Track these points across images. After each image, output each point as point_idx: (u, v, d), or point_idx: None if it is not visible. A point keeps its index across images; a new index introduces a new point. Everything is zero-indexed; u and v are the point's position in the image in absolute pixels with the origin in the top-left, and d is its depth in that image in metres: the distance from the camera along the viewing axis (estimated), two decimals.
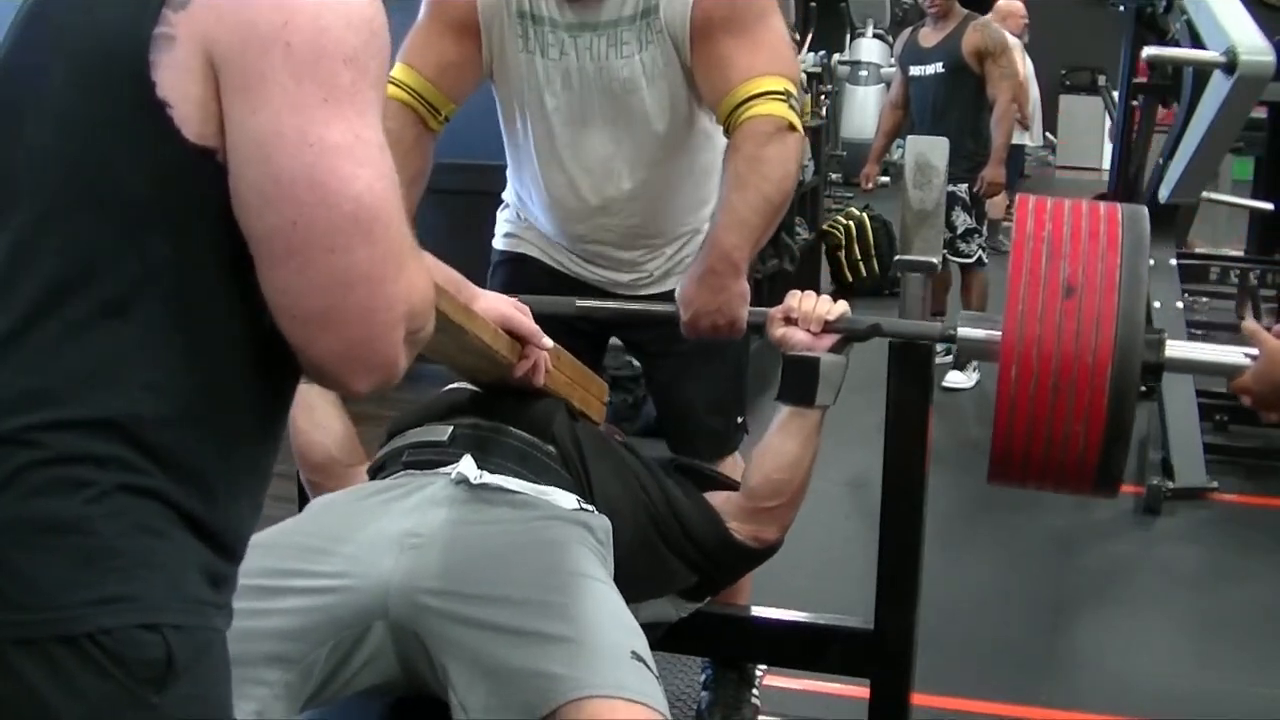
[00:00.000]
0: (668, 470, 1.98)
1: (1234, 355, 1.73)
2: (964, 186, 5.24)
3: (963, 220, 5.29)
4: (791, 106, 1.97)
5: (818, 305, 1.90)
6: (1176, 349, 1.75)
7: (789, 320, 1.91)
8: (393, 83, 2.07)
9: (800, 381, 1.89)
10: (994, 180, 5.27)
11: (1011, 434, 1.71)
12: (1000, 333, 1.70)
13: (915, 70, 5.40)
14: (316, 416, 1.94)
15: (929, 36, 5.38)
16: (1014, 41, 8.13)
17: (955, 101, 5.27)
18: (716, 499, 1.94)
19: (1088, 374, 1.65)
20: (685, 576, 1.88)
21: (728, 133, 1.99)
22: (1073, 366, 1.65)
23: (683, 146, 2.16)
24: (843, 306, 1.92)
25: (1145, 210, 1.78)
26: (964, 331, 1.83)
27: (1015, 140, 6.12)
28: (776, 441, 1.91)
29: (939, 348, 5.31)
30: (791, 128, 1.96)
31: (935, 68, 5.30)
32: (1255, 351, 1.68)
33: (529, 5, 2.05)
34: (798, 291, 1.95)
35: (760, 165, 1.93)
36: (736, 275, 1.93)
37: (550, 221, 2.26)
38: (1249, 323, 1.73)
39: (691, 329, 1.97)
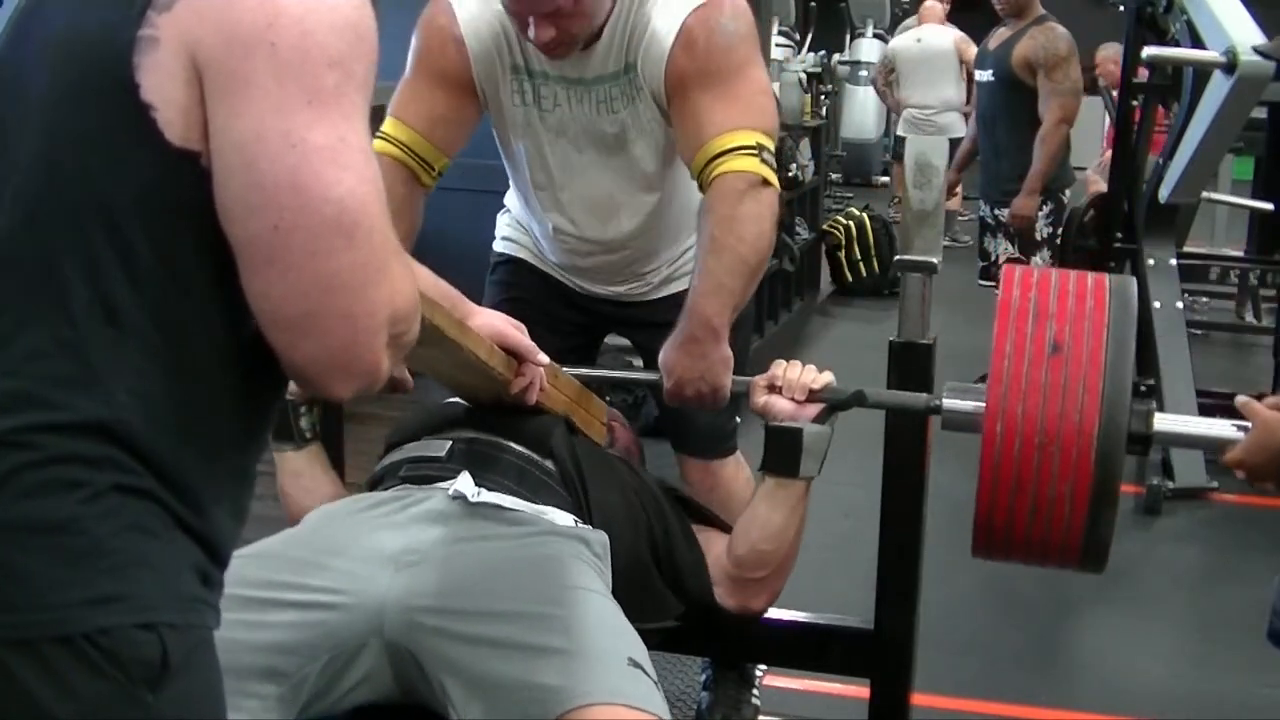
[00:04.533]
0: (668, 497, 1.96)
1: (1224, 429, 1.71)
2: (1006, 212, 4.69)
3: (1004, 248, 4.76)
4: (764, 160, 1.93)
5: (802, 374, 1.88)
6: (1165, 422, 1.72)
7: (773, 388, 1.89)
8: (382, 138, 2.04)
9: (784, 452, 1.86)
10: (1021, 213, 4.61)
11: (995, 499, 1.67)
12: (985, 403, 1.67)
13: (978, 75, 4.92)
14: (304, 482, 1.93)
15: (996, 38, 4.82)
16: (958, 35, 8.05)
17: (1003, 115, 4.72)
18: (710, 552, 1.92)
19: (1074, 434, 1.61)
20: (675, 605, 1.88)
21: (702, 190, 1.96)
22: (1058, 426, 1.62)
23: (677, 183, 2.15)
24: (827, 376, 1.89)
25: (1134, 280, 1.77)
26: (949, 403, 1.80)
27: None
28: (762, 512, 1.89)
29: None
30: (765, 182, 1.92)
31: (988, 74, 4.76)
32: (1247, 424, 1.65)
33: (523, 60, 2.05)
34: (783, 361, 1.92)
35: (734, 225, 1.90)
36: (717, 341, 1.91)
37: (552, 254, 2.27)
38: (1242, 397, 1.69)
39: (674, 397, 1.95)
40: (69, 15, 1.06)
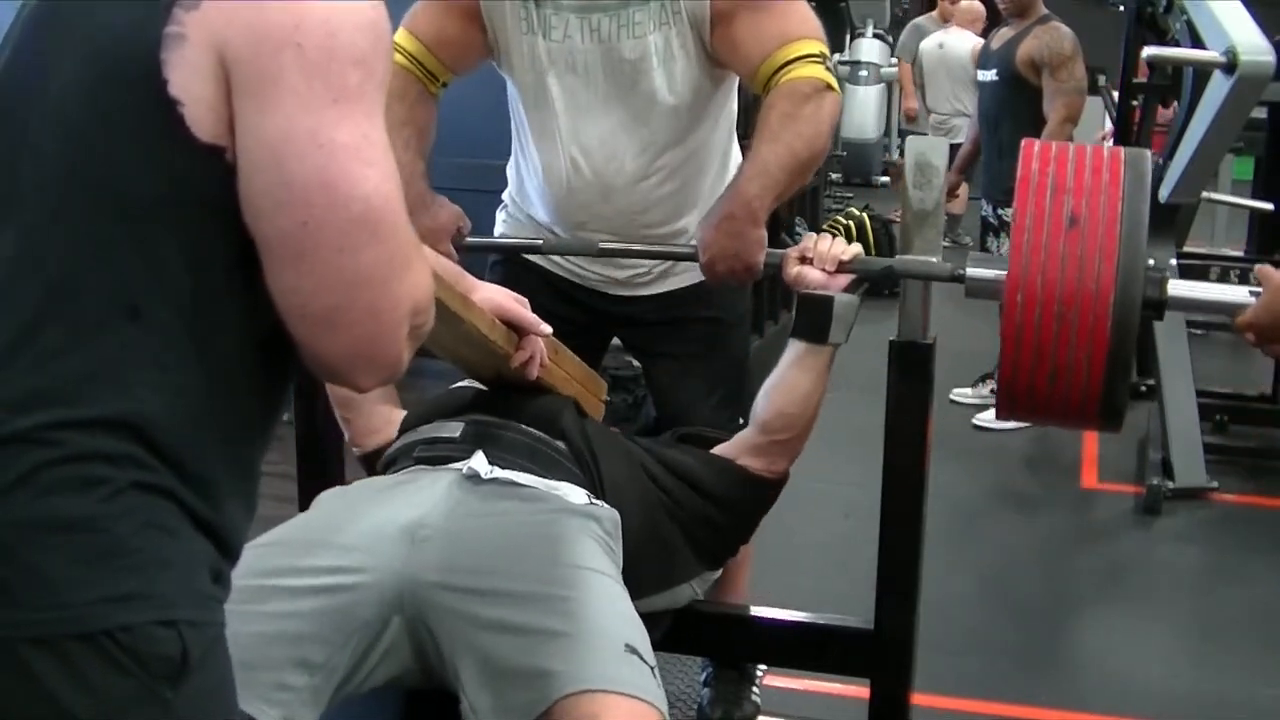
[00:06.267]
0: (670, 444, 2.02)
1: (1237, 294, 1.75)
2: (1010, 211, 4.65)
3: (1007, 248, 4.76)
4: (828, 68, 2.01)
5: (833, 246, 1.94)
6: (1179, 287, 1.78)
7: (804, 260, 1.95)
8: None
9: (814, 319, 1.93)
10: None
11: (1018, 365, 1.74)
12: (1006, 271, 1.73)
13: (980, 74, 4.92)
14: None
15: (999, 37, 4.85)
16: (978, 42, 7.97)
17: (1007, 115, 4.70)
18: (723, 446, 1.99)
19: (1091, 302, 1.68)
20: (693, 567, 1.92)
21: (765, 95, 2.02)
22: (1076, 294, 1.68)
23: (687, 132, 2.16)
24: (856, 248, 1.96)
25: (1147, 153, 1.82)
26: (972, 271, 1.86)
27: None
28: (790, 377, 1.95)
29: (970, 394, 5.04)
30: (829, 87, 2.00)
31: (992, 74, 4.79)
32: (1260, 289, 1.69)
33: None
34: (813, 234, 1.99)
35: (793, 122, 1.97)
36: (754, 224, 1.96)
37: (550, 210, 2.25)
38: (1261, 264, 1.74)
39: (709, 271, 2.01)
40: (88, 11, 1.07)
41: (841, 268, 1.93)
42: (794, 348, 1.96)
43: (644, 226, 2.20)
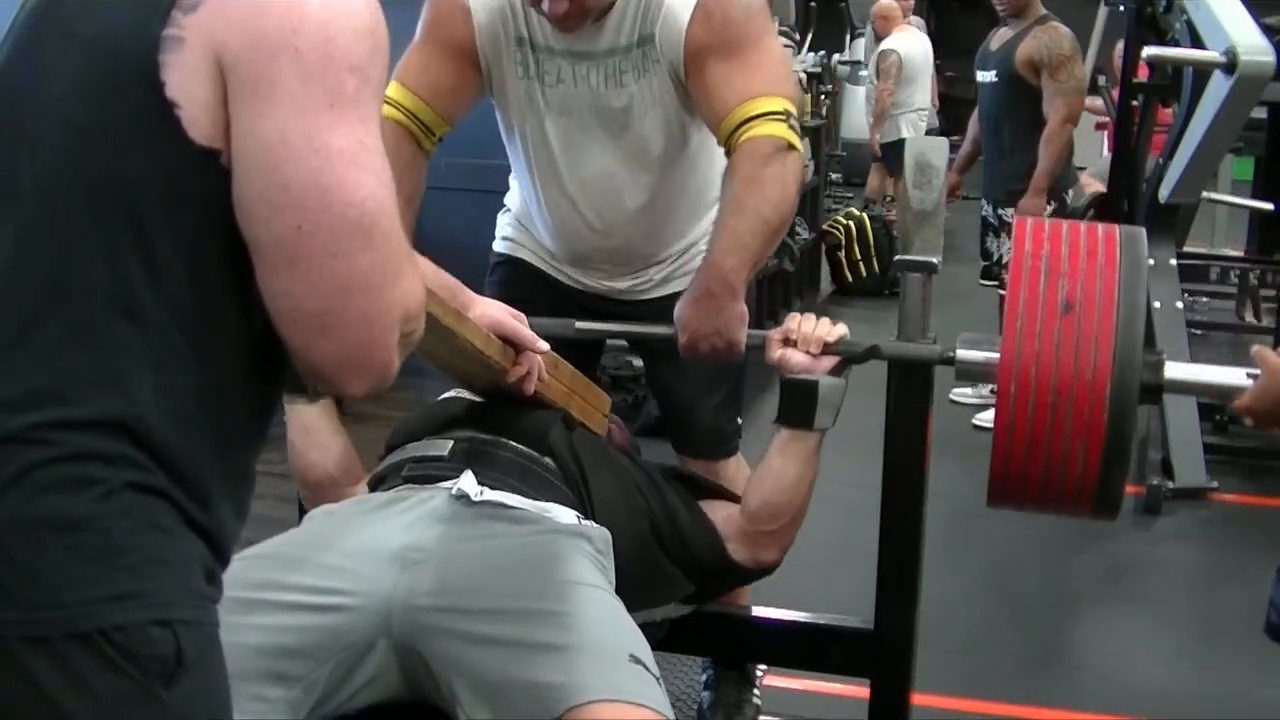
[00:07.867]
0: (668, 478, 1.98)
1: (1234, 376, 1.71)
2: (1010, 211, 4.61)
3: (1007, 248, 4.55)
4: (791, 126, 1.96)
5: (817, 327, 1.89)
6: (1176, 370, 1.73)
7: (788, 342, 1.90)
8: (387, 102, 2.03)
9: (799, 404, 1.88)
10: (1029, 213, 4.38)
11: (1010, 453, 1.69)
12: (999, 355, 1.68)
13: (979, 75, 4.88)
14: (314, 437, 1.92)
15: (998, 38, 4.83)
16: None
17: (1008, 116, 4.71)
18: (717, 516, 1.94)
19: (1086, 391, 1.63)
20: (685, 585, 1.90)
21: (728, 154, 1.99)
22: (1071, 384, 1.63)
23: (682, 165, 2.16)
24: (841, 329, 1.91)
25: (1143, 231, 1.78)
26: (963, 354, 1.82)
27: None
28: (776, 464, 1.90)
29: (970, 394, 5.08)
30: (791, 147, 1.94)
31: (991, 75, 4.76)
32: (1257, 371, 1.66)
33: (527, 32, 2.05)
34: (797, 314, 1.94)
35: (759, 187, 1.92)
36: (734, 298, 1.92)
37: (552, 241, 2.27)
38: (1258, 346, 1.71)
39: (689, 351, 1.97)
40: (88, 12, 1.07)
41: (826, 349, 1.88)
42: (779, 434, 1.91)
43: (649, 255, 2.21)
